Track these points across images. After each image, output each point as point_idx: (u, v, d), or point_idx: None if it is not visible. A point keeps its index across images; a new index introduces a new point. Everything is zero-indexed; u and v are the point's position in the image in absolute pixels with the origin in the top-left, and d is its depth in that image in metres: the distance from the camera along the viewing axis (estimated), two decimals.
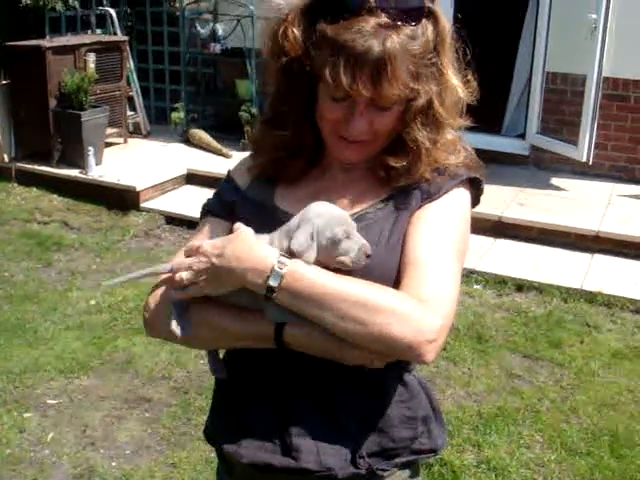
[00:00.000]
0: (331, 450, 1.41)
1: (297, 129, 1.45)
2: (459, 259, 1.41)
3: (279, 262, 1.29)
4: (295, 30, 1.37)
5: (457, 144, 1.47)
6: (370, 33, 1.28)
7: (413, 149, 1.40)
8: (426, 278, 1.33)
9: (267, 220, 1.43)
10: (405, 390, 1.47)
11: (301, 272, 1.29)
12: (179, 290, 1.39)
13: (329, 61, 1.31)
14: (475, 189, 1.50)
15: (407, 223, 1.41)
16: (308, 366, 1.39)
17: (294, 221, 1.36)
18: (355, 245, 1.32)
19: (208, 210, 1.57)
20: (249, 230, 1.36)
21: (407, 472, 1.51)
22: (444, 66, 1.38)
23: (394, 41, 1.29)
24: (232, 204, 1.53)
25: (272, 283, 1.28)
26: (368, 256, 1.33)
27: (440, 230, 1.40)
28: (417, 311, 1.28)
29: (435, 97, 1.38)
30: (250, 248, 1.32)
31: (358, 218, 1.41)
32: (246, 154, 1.62)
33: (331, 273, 1.31)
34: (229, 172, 1.62)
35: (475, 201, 1.52)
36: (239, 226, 1.37)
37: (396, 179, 1.43)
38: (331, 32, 1.31)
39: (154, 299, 1.47)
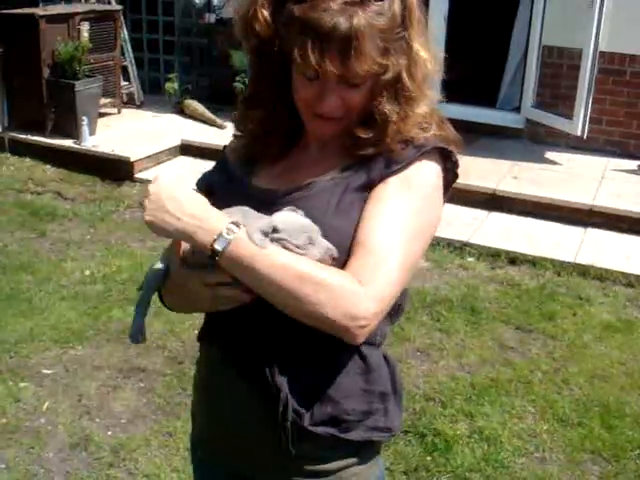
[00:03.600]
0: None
1: (271, 109, 1.46)
2: (416, 237, 1.37)
3: (228, 229, 1.30)
4: (265, 12, 1.36)
5: (430, 117, 1.44)
6: (336, 11, 1.27)
7: (381, 122, 1.39)
8: (369, 260, 1.32)
9: (237, 192, 1.46)
10: (363, 363, 1.46)
11: (247, 242, 1.29)
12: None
13: (297, 41, 1.31)
14: (447, 161, 1.45)
15: (366, 197, 1.39)
16: (266, 327, 1.41)
17: (262, 216, 1.36)
18: (319, 250, 1.32)
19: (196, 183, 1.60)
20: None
21: (355, 459, 1.49)
22: (412, 39, 1.36)
23: (360, 18, 1.28)
24: (211, 183, 1.55)
25: (217, 247, 1.29)
26: (334, 259, 1.32)
27: (397, 208, 1.37)
28: (353, 294, 1.28)
29: (404, 71, 1.37)
30: (203, 207, 1.34)
31: (308, 187, 1.42)
32: None
33: (275, 248, 1.30)
34: (224, 148, 1.64)
35: (450, 173, 1.46)
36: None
37: (361, 149, 1.42)
38: (298, 12, 1.30)
39: None
